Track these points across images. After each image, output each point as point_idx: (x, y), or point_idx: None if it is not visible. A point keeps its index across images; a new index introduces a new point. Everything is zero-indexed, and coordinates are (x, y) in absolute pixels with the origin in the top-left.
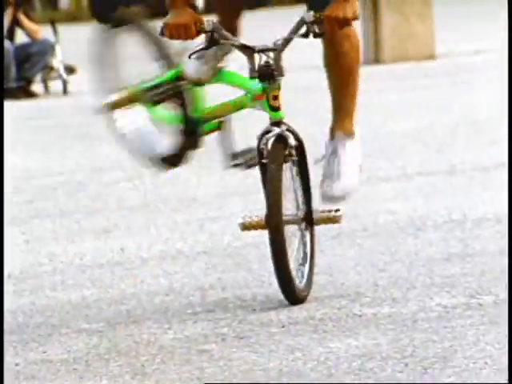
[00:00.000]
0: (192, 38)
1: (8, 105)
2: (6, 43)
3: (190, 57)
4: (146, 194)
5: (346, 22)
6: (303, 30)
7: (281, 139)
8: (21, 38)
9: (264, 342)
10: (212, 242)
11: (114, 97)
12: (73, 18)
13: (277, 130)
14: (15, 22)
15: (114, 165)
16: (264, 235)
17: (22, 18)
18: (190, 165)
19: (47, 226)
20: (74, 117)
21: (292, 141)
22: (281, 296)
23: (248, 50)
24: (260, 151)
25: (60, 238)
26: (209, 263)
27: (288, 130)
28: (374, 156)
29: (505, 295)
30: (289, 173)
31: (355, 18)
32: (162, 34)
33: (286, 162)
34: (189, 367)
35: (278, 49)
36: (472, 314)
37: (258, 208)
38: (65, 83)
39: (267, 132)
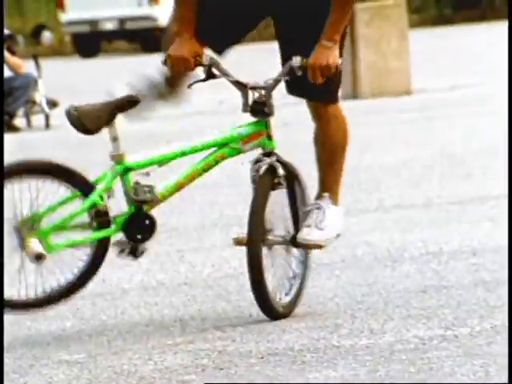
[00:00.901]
0: (191, 70)
1: None
2: None
3: (189, 87)
4: None
5: (328, 70)
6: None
7: (271, 169)
8: (4, 72)
9: (243, 373)
10: (192, 273)
11: None
12: (56, 52)
13: (267, 160)
14: None
15: None
16: (243, 267)
17: (6, 53)
18: (170, 197)
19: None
20: (56, 151)
21: (281, 171)
22: (260, 327)
23: (241, 86)
24: (253, 178)
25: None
26: (189, 294)
27: (278, 160)
28: (352, 189)
29: (480, 327)
30: (279, 199)
31: (337, 67)
32: (165, 63)
33: (273, 189)
34: None
35: (268, 88)
36: (448, 346)
37: None
38: (47, 117)
39: (258, 161)
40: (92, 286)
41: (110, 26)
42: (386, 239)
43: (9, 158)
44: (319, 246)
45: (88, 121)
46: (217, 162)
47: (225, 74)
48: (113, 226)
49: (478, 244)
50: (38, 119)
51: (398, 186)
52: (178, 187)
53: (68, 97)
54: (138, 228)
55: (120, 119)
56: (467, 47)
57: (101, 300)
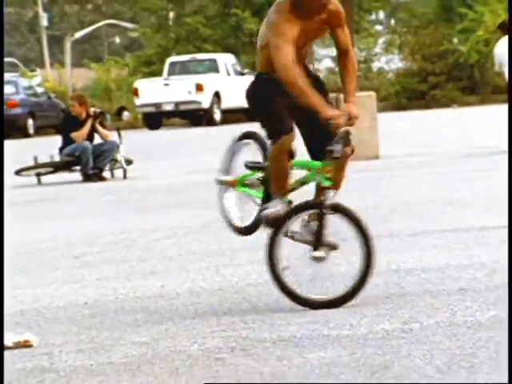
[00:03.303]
0: None
1: (86, 186)
2: (87, 143)
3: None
4: (180, 248)
5: (356, 119)
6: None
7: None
8: (97, 139)
9: (260, 353)
10: (225, 282)
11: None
12: (132, 126)
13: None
14: (93, 129)
15: (158, 227)
16: (263, 278)
17: (98, 126)
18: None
19: (112, 268)
20: (131, 194)
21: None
22: (272, 320)
23: None
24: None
25: (120, 277)
26: (222, 297)
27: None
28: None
29: (427, 323)
30: None
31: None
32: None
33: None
34: None
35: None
36: (405, 336)
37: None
38: (125, 171)
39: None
40: (154, 290)
41: (168, 107)
42: None
43: (99, 199)
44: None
45: None
46: None
47: None
48: None
49: (426, 264)
50: (118, 172)
51: (368, 223)
52: None
53: (140, 157)
54: None
55: None
56: (419, 126)
57: (161, 300)
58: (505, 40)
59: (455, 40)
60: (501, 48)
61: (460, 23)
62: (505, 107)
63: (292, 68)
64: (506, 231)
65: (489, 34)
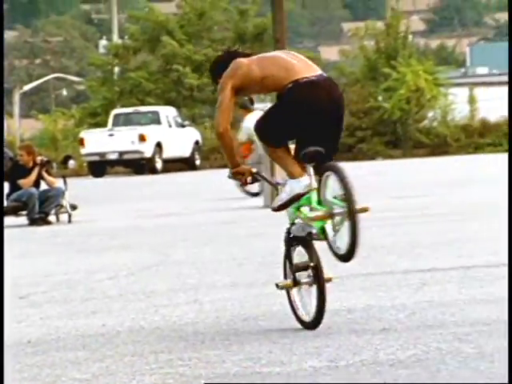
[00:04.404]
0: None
1: (32, 229)
2: (33, 189)
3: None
4: (121, 288)
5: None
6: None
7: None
8: (43, 186)
9: None
10: (163, 321)
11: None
12: (77, 174)
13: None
14: (40, 176)
15: (100, 269)
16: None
17: (45, 174)
18: None
19: (56, 308)
20: (75, 237)
21: None
22: (207, 357)
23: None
24: None
25: (63, 316)
26: (161, 335)
27: None
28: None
29: (356, 361)
30: None
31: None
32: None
33: None
34: None
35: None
36: (332, 373)
37: None
38: (69, 216)
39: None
40: (95, 328)
41: (112, 156)
42: None
43: (44, 242)
44: None
45: None
46: None
47: (263, 178)
48: None
49: (352, 305)
50: (63, 217)
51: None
52: None
53: (84, 203)
54: None
55: None
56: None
57: (102, 338)
58: (250, 116)
59: (380, 98)
60: (247, 123)
61: (384, 82)
62: (424, 161)
63: None
64: (425, 275)
65: (410, 93)
